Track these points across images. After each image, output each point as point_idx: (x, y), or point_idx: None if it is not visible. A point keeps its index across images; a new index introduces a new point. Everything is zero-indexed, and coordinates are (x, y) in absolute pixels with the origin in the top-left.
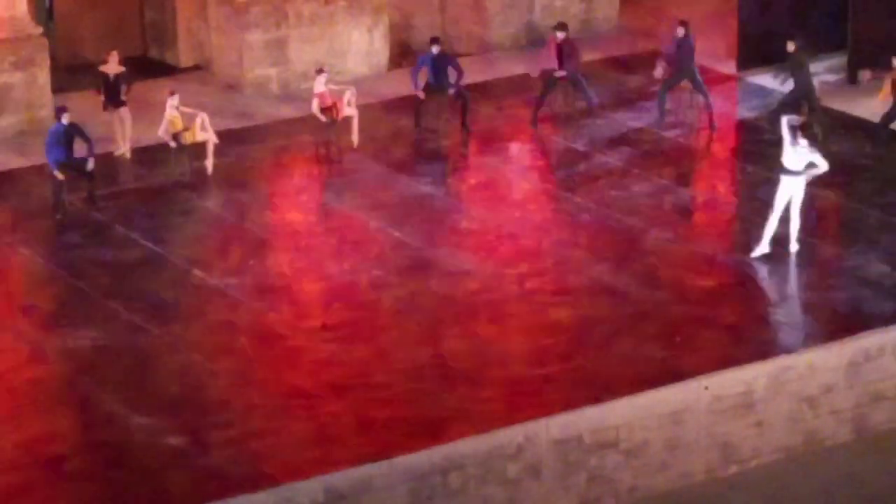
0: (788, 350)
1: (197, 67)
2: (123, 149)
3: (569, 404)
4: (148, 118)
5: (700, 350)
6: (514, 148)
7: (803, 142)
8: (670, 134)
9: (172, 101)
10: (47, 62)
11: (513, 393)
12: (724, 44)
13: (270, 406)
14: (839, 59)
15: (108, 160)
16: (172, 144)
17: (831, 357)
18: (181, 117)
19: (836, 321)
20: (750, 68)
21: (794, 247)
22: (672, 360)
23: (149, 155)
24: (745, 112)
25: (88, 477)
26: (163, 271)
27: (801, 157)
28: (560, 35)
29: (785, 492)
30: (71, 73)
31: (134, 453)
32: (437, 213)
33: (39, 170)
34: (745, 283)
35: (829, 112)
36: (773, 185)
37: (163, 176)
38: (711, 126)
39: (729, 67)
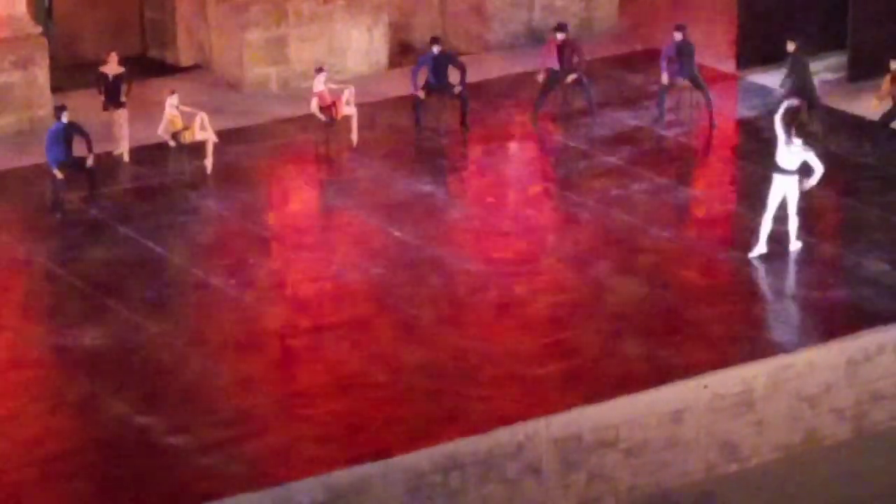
0: (788, 348)
1: (196, 66)
2: (122, 150)
3: (568, 403)
4: (148, 117)
5: (700, 348)
6: (514, 147)
7: (797, 141)
8: (670, 133)
9: (172, 101)
10: (47, 61)
11: (512, 392)
12: (724, 43)
13: (270, 405)
14: (838, 58)
15: (107, 159)
16: (172, 143)
17: (831, 355)
18: (181, 116)
19: (836, 319)
20: (750, 67)
21: (794, 245)
22: (672, 359)
23: (148, 154)
24: (745, 111)
25: (87, 476)
26: (162, 270)
27: (795, 156)
28: (560, 36)
29: (785, 490)
30: (70, 73)
31: (133, 452)
32: (436, 212)
33: (39, 169)
34: (744, 281)
35: (828, 111)
36: (771, 183)
37: (162, 175)
38: (711, 125)
39: (728, 66)
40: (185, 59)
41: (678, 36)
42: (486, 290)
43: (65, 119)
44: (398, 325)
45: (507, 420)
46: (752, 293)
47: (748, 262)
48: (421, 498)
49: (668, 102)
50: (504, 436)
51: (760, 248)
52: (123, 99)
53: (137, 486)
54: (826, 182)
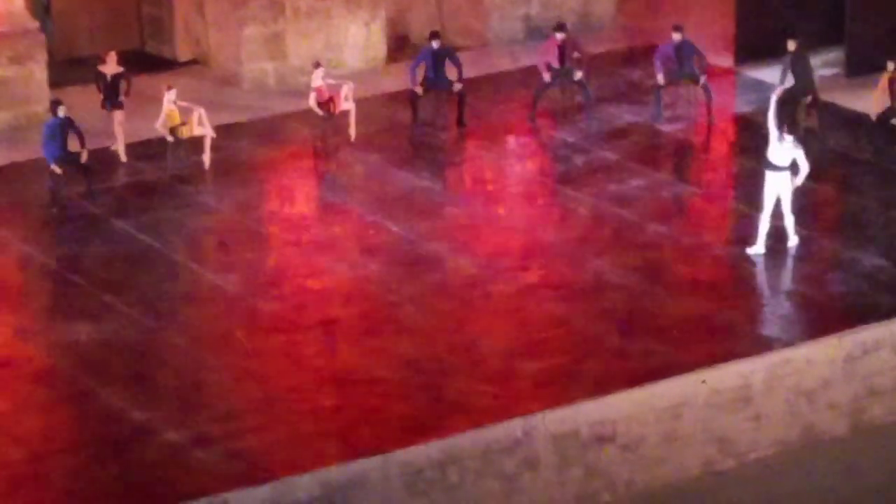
0: (786, 344)
1: (194, 62)
2: (118, 149)
3: (566, 398)
4: (145, 113)
5: (697, 344)
6: (512, 142)
7: (789, 137)
8: (668, 128)
9: (169, 96)
10: (44, 57)
11: (510, 387)
12: (722, 37)
13: (267, 400)
14: (836, 54)
15: (104, 155)
16: (170, 139)
17: (829, 351)
18: (178, 112)
19: (834, 315)
20: (747, 62)
21: (792, 241)
22: (669, 354)
23: (146, 149)
24: (743, 106)
25: (85, 472)
26: (160, 265)
27: (786, 153)
28: (559, 36)
29: (782, 485)
30: (68, 68)
31: (131, 448)
32: (434, 207)
33: (36, 164)
34: (742, 276)
35: (826, 106)
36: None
37: (160, 170)
38: (709, 120)
39: (726, 61)
40: (183, 54)
41: (677, 36)
42: (483, 285)
43: (61, 114)
44: (395, 320)
45: (504, 415)
46: (749, 288)
47: (746, 258)
48: (418, 493)
49: (666, 99)
50: (501, 431)
51: (759, 247)
52: (122, 98)
53: (134, 482)
54: (824, 177)
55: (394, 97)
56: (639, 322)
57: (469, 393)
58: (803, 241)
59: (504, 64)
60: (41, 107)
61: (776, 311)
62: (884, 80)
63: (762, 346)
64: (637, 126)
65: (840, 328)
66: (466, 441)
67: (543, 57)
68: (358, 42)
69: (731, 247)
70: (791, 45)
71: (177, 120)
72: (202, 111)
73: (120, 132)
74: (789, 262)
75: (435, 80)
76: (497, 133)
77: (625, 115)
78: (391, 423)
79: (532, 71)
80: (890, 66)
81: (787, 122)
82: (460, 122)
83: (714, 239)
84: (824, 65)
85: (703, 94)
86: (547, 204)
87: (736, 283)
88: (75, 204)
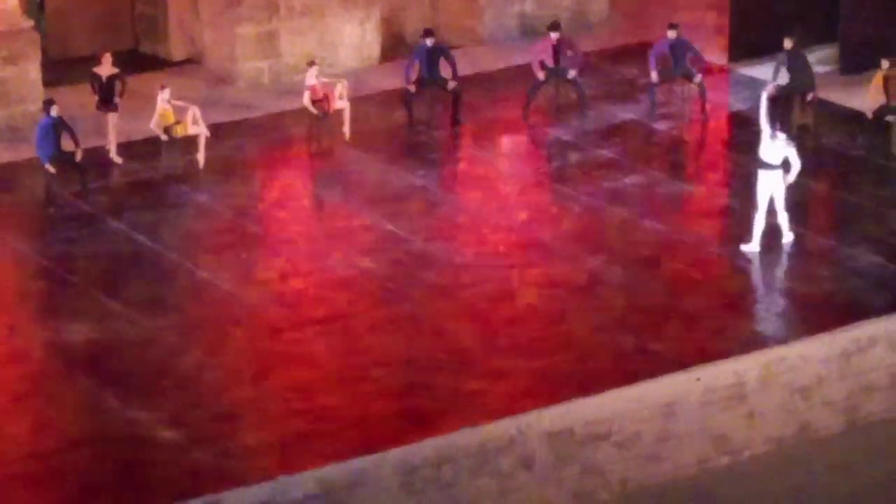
0: (780, 341)
1: (188, 61)
2: (111, 150)
3: (561, 397)
4: (139, 112)
5: (692, 341)
6: (507, 140)
7: (781, 135)
8: (662, 126)
9: (164, 95)
10: (38, 56)
11: (505, 385)
12: (716, 35)
13: (263, 399)
14: (831, 51)
15: (99, 154)
16: (164, 138)
17: (823, 348)
18: (173, 111)
19: (829, 312)
20: (741, 60)
21: (787, 238)
22: (664, 352)
23: (140, 149)
24: (737, 104)
25: (81, 471)
26: (155, 265)
27: (779, 150)
28: (554, 35)
29: (777, 483)
30: (62, 67)
31: (127, 447)
32: (429, 205)
33: (31, 164)
34: (737, 273)
35: (821, 104)
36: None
37: (154, 169)
38: (704, 118)
39: (720, 58)
40: (177, 53)
41: (672, 34)
42: (478, 283)
43: (54, 113)
44: (391, 319)
45: (499, 413)
46: (744, 286)
47: (741, 255)
48: (414, 492)
49: (660, 96)
50: (496, 429)
51: (754, 245)
52: (117, 100)
53: (131, 481)
54: (818, 175)
55: (388, 96)
56: (633, 320)
57: (464, 391)
58: (798, 239)
59: (498, 62)
60: (36, 106)
61: (771, 309)
62: (878, 77)
63: (757, 343)
64: (631, 124)
65: (835, 325)
66: (461, 439)
67: (538, 56)
68: (352, 40)
69: (725, 244)
70: (788, 43)
71: (171, 119)
72: (196, 110)
73: (113, 134)
74: (784, 260)
75: (429, 79)
76: (492, 131)
77: (619, 112)
78: (386, 421)
79: (527, 69)
80: (884, 63)
81: (780, 119)
82: (455, 121)
83: (709, 236)
84: (818, 62)
85: (697, 92)
86: (542, 202)
87: (730, 280)
88: (70, 203)
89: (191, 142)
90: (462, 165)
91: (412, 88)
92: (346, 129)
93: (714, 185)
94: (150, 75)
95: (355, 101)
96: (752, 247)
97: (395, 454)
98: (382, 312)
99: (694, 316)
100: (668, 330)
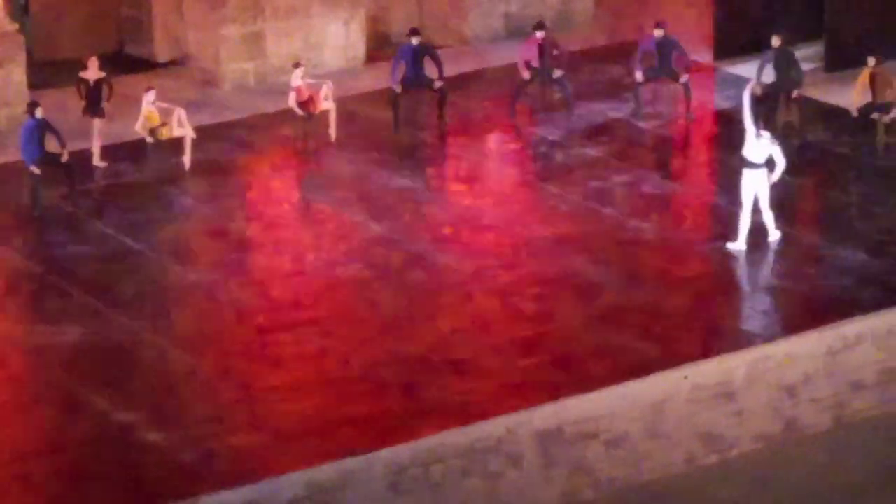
0: (767, 339)
1: (174, 62)
2: (94, 154)
3: (549, 396)
4: (125, 114)
5: (679, 340)
6: (493, 140)
7: (766, 133)
8: (648, 124)
9: (149, 97)
10: (23, 58)
11: (493, 385)
12: (701, 33)
13: (250, 401)
14: (816, 48)
15: (84, 156)
16: (149, 140)
17: (810, 345)
18: (158, 113)
19: (815, 309)
20: (726, 58)
21: (773, 236)
22: (651, 351)
23: (126, 151)
24: (722, 102)
25: (67, 473)
26: (141, 267)
27: (763, 149)
28: (539, 35)
29: (765, 480)
30: (47, 70)
31: (114, 449)
32: (415, 205)
33: (16, 166)
34: (723, 272)
35: (806, 101)
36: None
37: (140, 172)
38: (689, 117)
39: (705, 57)
40: (162, 55)
41: (658, 33)
42: (465, 283)
43: (38, 115)
44: (378, 319)
45: (487, 413)
46: (731, 284)
47: (727, 253)
48: (402, 492)
49: (646, 95)
50: (485, 429)
51: (740, 242)
52: (104, 105)
53: (117, 483)
54: (804, 172)
55: (374, 96)
56: (621, 319)
57: (452, 391)
58: (784, 236)
59: (484, 62)
60: (21, 109)
61: (757, 307)
62: (865, 74)
63: (744, 341)
64: (617, 123)
65: (821, 323)
66: (450, 439)
67: (523, 56)
68: (338, 41)
69: (712, 242)
70: (776, 41)
71: (156, 121)
72: (182, 112)
73: (97, 140)
74: (770, 257)
75: (415, 79)
76: (478, 131)
77: (605, 111)
78: (375, 422)
79: (513, 69)
80: (871, 60)
81: (764, 118)
82: (441, 120)
83: (695, 235)
84: (803, 60)
85: (683, 91)
86: (528, 201)
87: (717, 278)
88: (56, 206)
89: (176, 144)
90: (449, 165)
91: (398, 88)
92: (332, 130)
93: (700, 183)
94: (135, 77)
95: (341, 101)
96: (739, 245)
97: (384, 454)
98: (369, 313)
99: (681, 314)
100: (655, 328)
